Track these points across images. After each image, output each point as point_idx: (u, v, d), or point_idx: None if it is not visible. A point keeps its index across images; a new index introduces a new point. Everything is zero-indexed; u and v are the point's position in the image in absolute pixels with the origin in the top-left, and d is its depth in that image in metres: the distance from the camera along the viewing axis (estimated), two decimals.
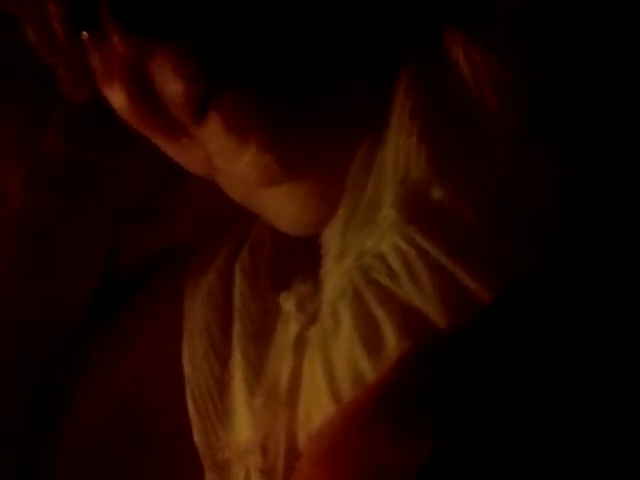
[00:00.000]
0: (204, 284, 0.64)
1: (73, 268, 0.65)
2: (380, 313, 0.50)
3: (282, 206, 0.57)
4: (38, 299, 0.65)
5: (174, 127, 0.54)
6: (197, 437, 0.61)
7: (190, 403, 0.62)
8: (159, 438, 0.62)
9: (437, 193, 0.50)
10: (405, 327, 0.49)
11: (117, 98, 0.55)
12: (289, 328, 0.57)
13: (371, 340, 0.50)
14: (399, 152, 0.52)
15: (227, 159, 0.54)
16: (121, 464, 0.62)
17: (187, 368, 0.62)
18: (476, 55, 0.51)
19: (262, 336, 0.60)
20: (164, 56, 0.51)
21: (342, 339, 0.51)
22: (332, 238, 0.56)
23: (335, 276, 0.54)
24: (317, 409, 0.52)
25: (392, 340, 0.49)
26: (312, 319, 0.55)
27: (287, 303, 0.57)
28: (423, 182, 0.50)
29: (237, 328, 0.61)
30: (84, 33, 0.54)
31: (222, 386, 0.61)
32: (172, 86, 0.52)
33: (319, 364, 0.52)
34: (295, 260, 0.62)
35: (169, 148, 0.58)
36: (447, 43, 0.52)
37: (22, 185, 0.64)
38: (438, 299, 0.48)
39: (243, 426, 0.59)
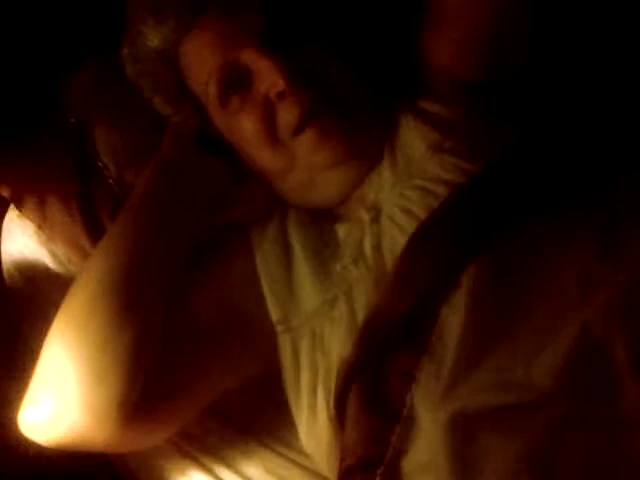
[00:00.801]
0: (267, 235, 0.91)
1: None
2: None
3: (333, 182, 0.90)
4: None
5: (276, 139, 0.88)
6: (272, 311, 0.85)
7: (265, 287, 0.86)
8: (246, 323, 0.86)
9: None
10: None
11: (250, 125, 0.88)
12: (362, 226, 0.86)
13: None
14: (412, 135, 0.88)
15: (310, 155, 0.87)
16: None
17: (260, 266, 0.88)
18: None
19: (317, 246, 0.88)
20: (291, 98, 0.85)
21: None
22: (381, 183, 0.88)
23: (391, 199, 0.85)
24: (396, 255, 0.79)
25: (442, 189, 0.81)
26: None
27: (362, 215, 0.87)
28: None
29: (297, 249, 0.88)
30: (229, 91, 0.88)
31: (287, 272, 0.87)
32: (288, 116, 0.86)
33: (397, 231, 0.82)
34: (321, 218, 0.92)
35: (267, 154, 0.89)
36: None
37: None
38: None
39: (307, 297, 0.84)
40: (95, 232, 0.94)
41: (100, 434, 0.77)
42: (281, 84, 0.84)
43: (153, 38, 0.90)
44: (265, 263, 0.88)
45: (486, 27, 0.90)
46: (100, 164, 0.96)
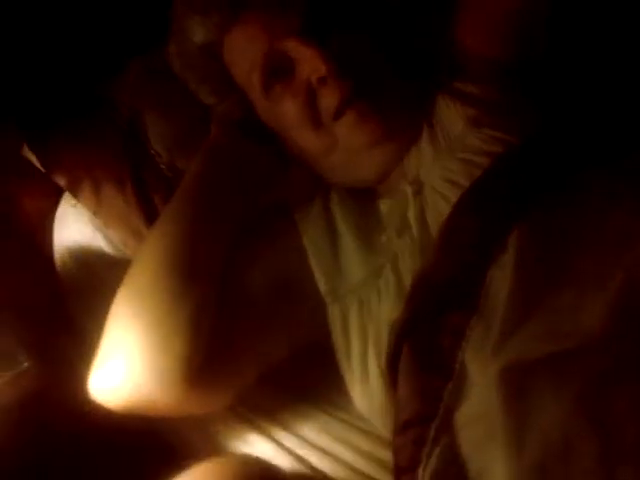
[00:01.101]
0: (311, 214, 0.95)
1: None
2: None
3: (373, 161, 0.93)
4: None
5: (319, 123, 0.92)
6: (321, 282, 0.89)
7: (312, 260, 0.90)
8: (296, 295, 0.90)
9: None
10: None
11: (293, 110, 0.92)
12: (405, 198, 0.89)
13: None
14: (451, 113, 0.91)
15: (350, 136, 0.91)
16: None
17: (306, 241, 0.92)
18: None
19: (360, 222, 0.92)
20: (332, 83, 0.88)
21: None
22: (422, 159, 0.91)
23: (434, 172, 0.89)
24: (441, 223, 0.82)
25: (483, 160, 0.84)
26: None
27: (405, 188, 0.91)
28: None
29: (341, 225, 0.92)
30: (272, 79, 0.92)
31: (332, 245, 0.91)
32: (329, 100, 0.90)
33: (441, 201, 0.85)
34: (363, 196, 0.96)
35: (309, 136, 0.93)
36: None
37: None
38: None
39: (353, 268, 0.88)
40: (150, 215, 1.00)
41: (166, 396, 0.81)
42: (323, 70, 0.88)
43: (198, 33, 0.95)
44: (311, 238, 0.92)
45: (509, 7, 0.95)
46: (152, 151, 1.01)
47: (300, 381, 0.93)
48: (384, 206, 0.92)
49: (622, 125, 0.84)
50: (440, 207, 0.84)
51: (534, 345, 0.71)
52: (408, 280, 0.82)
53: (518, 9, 0.95)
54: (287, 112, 0.92)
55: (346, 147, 0.92)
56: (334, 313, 0.87)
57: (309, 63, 0.89)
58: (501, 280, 0.75)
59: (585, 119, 0.87)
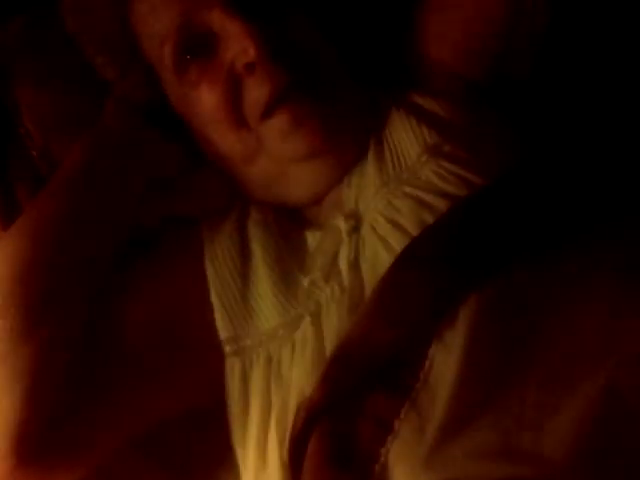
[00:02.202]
0: (222, 234, 0.77)
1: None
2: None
3: (305, 178, 0.77)
4: None
5: (242, 121, 0.74)
6: (221, 326, 0.72)
7: (214, 296, 0.73)
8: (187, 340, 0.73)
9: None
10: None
11: (210, 100, 0.74)
12: (338, 235, 0.73)
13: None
14: (406, 133, 0.75)
15: (280, 143, 0.74)
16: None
17: (210, 270, 0.75)
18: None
19: (281, 253, 0.75)
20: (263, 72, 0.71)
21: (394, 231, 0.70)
22: (364, 186, 0.75)
23: (376, 207, 0.73)
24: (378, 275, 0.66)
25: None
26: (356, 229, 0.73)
27: (339, 222, 0.74)
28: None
29: (257, 253, 0.75)
30: (188, 57, 0.74)
31: (243, 280, 0.74)
32: (257, 94, 0.72)
33: (380, 247, 0.69)
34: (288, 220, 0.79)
35: (228, 137, 0.76)
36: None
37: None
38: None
39: (265, 313, 0.71)
40: (9, 213, 0.80)
41: None
42: (251, 53, 0.70)
43: None
44: (216, 267, 0.75)
45: (491, 12, 0.79)
46: (22, 129, 0.81)
47: (181, 456, 0.75)
48: (312, 239, 0.75)
49: (617, 177, 0.69)
50: (379, 255, 0.69)
51: (482, 463, 0.55)
52: (330, 341, 0.66)
53: (496, 18, 0.79)
54: (203, 103, 0.74)
55: (273, 155, 0.75)
56: (233, 369, 0.71)
57: (236, 43, 0.72)
58: (446, 363, 0.60)
59: (573, 165, 0.71)
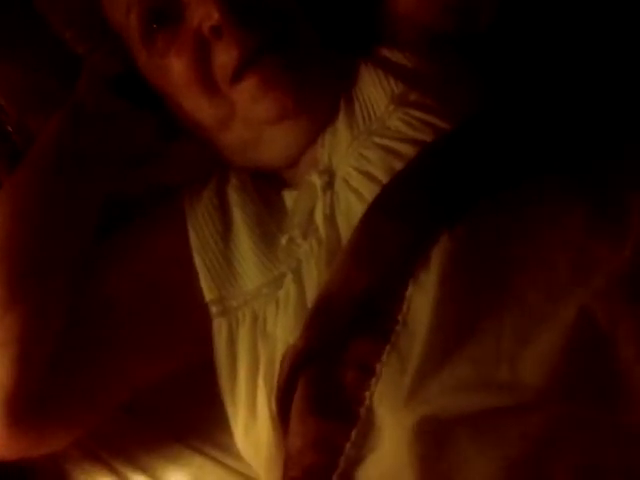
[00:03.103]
0: (203, 200, 0.78)
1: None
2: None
3: (280, 140, 0.77)
4: None
5: (213, 87, 0.74)
6: (206, 289, 0.73)
7: (197, 260, 0.74)
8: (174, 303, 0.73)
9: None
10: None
11: (179, 67, 0.74)
12: (314, 192, 0.73)
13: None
14: (374, 86, 0.75)
15: (251, 107, 0.74)
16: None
17: (192, 236, 0.75)
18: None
19: (261, 216, 0.75)
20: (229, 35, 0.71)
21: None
22: (336, 143, 0.75)
23: (348, 160, 0.73)
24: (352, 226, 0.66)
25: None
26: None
27: (314, 179, 0.74)
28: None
29: (237, 217, 0.75)
30: (155, 26, 0.74)
31: (225, 243, 0.74)
32: (225, 58, 0.72)
33: (354, 198, 0.69)
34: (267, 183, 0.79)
35: (200, 103, 0.76)
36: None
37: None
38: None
39: (248, 274, 0.72)
40: None
41: None
42: (215, 16, 0.70)
43: None
44: (198, 232, 0.75)
45: None
46: None
47: (172, 413, 0.77)
48: (289, 199, 0.76)
49: (582, 120, 0.69)
50: (352, 206, 0.69)
51: (461, 395, 0.56)
52: (311, 294, 0.67)
53: None
54: (173, 71, 0.74)
55: (246, 119, 0.75)
56: (220, 329, 0.71)
57: (200, 6, 0.71)
58: (422, 303, 0.60)
59: (537, 107, 0.71)
